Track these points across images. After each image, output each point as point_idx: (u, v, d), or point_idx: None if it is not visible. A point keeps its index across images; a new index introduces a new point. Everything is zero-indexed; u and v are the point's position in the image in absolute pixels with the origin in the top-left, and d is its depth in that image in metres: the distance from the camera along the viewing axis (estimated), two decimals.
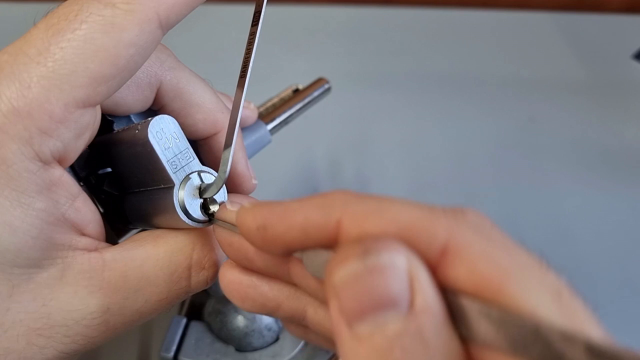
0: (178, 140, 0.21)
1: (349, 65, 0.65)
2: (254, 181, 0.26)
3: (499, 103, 0.62)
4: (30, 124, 0.18)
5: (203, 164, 0.22)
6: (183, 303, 0.36)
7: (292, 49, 0.67)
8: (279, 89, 0.34)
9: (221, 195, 0.22)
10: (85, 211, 0.21)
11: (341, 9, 0.74)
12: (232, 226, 0.20)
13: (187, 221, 0.21)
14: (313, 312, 0.20)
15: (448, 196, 0.53)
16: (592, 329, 0.13)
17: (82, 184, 0.24)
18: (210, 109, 0.24)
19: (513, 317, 0.13)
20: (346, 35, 0.70)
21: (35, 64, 0.18)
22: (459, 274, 0.14)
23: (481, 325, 0.13)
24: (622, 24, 0.73)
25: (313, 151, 0.56)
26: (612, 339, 0.14)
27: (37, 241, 0.19)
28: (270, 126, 0.31)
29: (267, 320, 0.33)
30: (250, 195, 0.26)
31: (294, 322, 0.21)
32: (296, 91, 0.34)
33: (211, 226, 0.22)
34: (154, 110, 0.24)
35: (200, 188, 0.21)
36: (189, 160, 0.21)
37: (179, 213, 0.21)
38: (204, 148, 0.26)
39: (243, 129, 0.30)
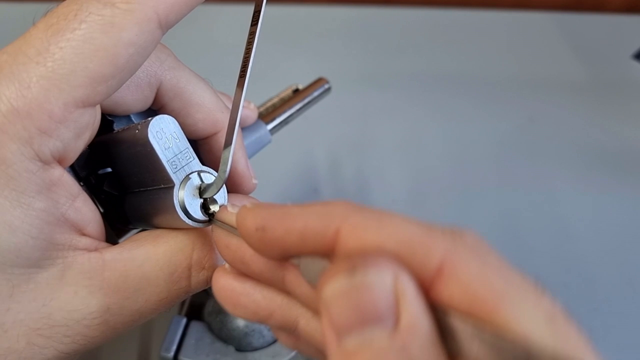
0: (178, 140, 0.21)
1: (349, 65, 0.65)
2: (254, 181, 0.26)
3: (499, 103, 0.62)
4: (30, 124, 0.18)
5: (203, 163, 0.22)
6: (183, 303, 0.36)
7: (292, 49, 0.67)
8: (279, 89, 0.34)
9: (221, 195, 0.22)
10: (85, 211, 0.21)
11: (341, 9, 0.74)
12: (231, 227, 0.20)
13: (187, 221, 0.21)
14: (305, 323, 0.20)
15: (448, 196, 0.53)
16: (586, 355, 0.13)
17: (82, 183, 0.23)
18: (210, 108, 0.24)
19: (505, 340, 0.13)
20: (346, 35, 0.70)
21: (34, 64, 0.18)
22: (453, 293, 0.14)
23: (473, 347, 0.13)
24: (622, 24, 0.73)
25: (313, 151, 0.56)
26: None
27: (37, 241, 0.19)
28: (270, 126, 0.31)
29: None
30: (250, 195, 0.26)
31: (285, 331, 0.21)
32: (296, 91, 0.34)
33: (210, 226, 0.22)
34: (153, 110, 0.24)
35: (200, 188, 0.21)
36: (189, 160, 0.21)
37: (179, 213, 0.21)
38: (204, 148, 0.26)
39: (243, 128, 0.30)
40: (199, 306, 0.36)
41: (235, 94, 0.21)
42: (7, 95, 0.18)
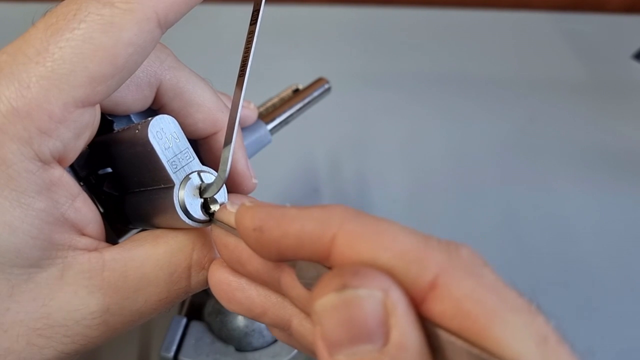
0: (178, 140, 0.21)
1: (349, 65, 0.65)
2: (254, 180, 0.26)
3: (500, 103, 0.62)
4: (30, 124, 0.18)
5: (203, 163, 0.22)
6: (183, 303, 0.36)
7: (292, 49, 0.67)
8: (279, 89, 0.34)
9: (221, 195, 0.22)
10: (85, 211, 0.21)
11: (341, 9, 0.74)
12: (230, 227, 0.20)
13: (187, 221, 0.21)
14: (298, 324, 0.20)
15: (448, 196, 0.53)
16: None
17: (82, 183, 0.23)
18: (210, 108, 0.24)
19: (494, 358, 0.13)
20: (346, 35, 0.70)
21: (34, 64, 0.18)
22: (445, 310, 0.14)
23: None
24: (622, 24, 0.73)
25: (313, 151, 0.56)
26: None
27: (36, 241, 0.19)
28: (270, 126, 0.31)
29: None
30: (250, 195, 0.26)
31: (278, 327, 0.21)
32: (296, 91, 0.34)
33: (210, 226, 0.22)
34: (153, 109, 0.24)
35: (200, 188, 0.21)
36: (189, 160, 0.21)
37: (179, 213, 0.21)
38: (204, 147, 0.26)
39: (243, 128, 0.30)
40: (199, 306, 0.36)
41: (234, 93, 0.21)
42: (6, 96, 0.18)
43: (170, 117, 0.21)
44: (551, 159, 0.56)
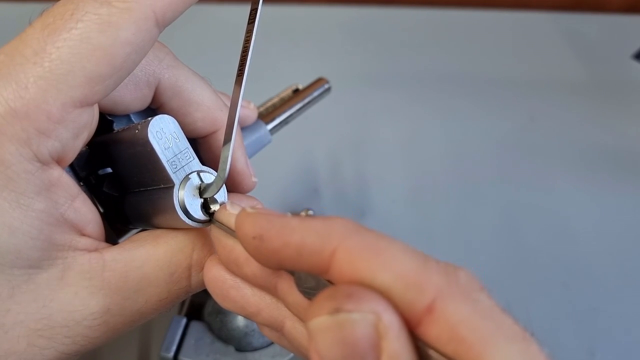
0: (178, 140, 0.21)
1: (349, 65, 0.65)
2: (254, 179, 0.26)
3: (499, 103, 0.62)
4: (28, 124, 0.18)
5: (202, 162, 0.22)
6: (183, 303, 0.36)
7: (292, 49, 0.67)
8: (279, 89, 0.34)
9: (221, 194, 0.21)
10: (85, 211, 0.21)
11: (341, 9, 0.74)
12: (229, 229, 0.20)
13: (187, 221, 0.21)
14: (291, 326, 0.20)
15: (448, 196, 0.53)
16: None
17: (81, 184, 0.23)
18: (209, 107, 0.24)
19: None
20: (346, 35, 0.70)
21: (31, 64, 0.18)
22: (441, 334, 0.14)
23: None
24: (622, 24, 0.73)
25: (313, 151, 0.56)
26: None
27: (36, 242, 0.19)
28: (270, 126, 0.31)
29: None
30: (250, 194, 0.26)
31: (271, 327, 0.21)
32: (296, 91, 0.34)
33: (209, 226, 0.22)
34: (152, 108, 0.24)
35: (200, 188, 0.21)
36: (188, 160, 0.21)
37: (178, 213, 0.21)
38: (203, 146, 0.26)
39: (243, 128, 0.30)
40: (199, 306, 0.36)
41: (233, 92, 0.21)
42: (4, 97, 0.18)
43: (170, 117, 0.21)
44: (551, 158, 0.56)
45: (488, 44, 0.70)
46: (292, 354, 0.33)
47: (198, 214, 0.21)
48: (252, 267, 0.19)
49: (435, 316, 0.14)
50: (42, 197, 0.19)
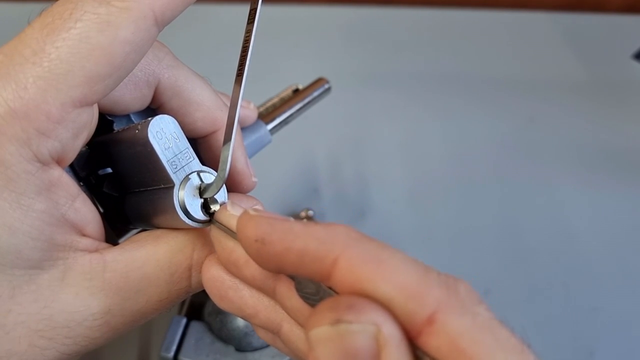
0: (178, 140, 0.21)
1: (349, 65, 0.65)
2: (254, 179, 0.26)
3: (499, 103, 0.62)
4: (28, 125, 0.18)
5: (202, 162, 0.22)
6: (183, 303, 0.36)
7: (292, 49, 0.67)
8: (279, 89, 0.34)
9: (221, 194, 0.21)
10: (85, 211, 0.21)
11: (341, 9, 0.74)
12: (229, 230, 0.20)
13: (187, 221, 0.21)
14: (288, 329, 0.20)
15: (448, 196, 0.53)
16: None
17: (81, 184, 0.23)
18: (209, 107, 0.24)
19: None
20: (346, 35, 0.70)
21: (31, 64, 0.18)
22: (441, 346, 0.14)
23: None
24: (622, 24, 0.73)
25: (313, 151, 0.56)
26: None
27: (37, 242, 0.19)
28: (270, 126, 0.31)
29: None
30: (250, 194, 0.26)
31: (267, 329, 0.21)
32: (296, 91, 0.34)
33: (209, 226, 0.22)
34: (152, 108, 0.24)
35: (200, 188, 0.21)
36: (189, 160, 0.21)
37: (179, 213, 0.21)
38: (203, 146, 0.26)
39: (243, 128, 0.30)
40: (199, 306, 0.36)
41: (233, 92, 0.21)
42: (4, 97, 0.18)
43: (170, 117, 0.21)
44: (551, 158, 0.56)
45: (488, 44, 0.70)
46: None
47: (198, 214, 0.21)
48: (252, 269, 0.19)
49: (435, 328, 0.14)
50: (43, 198, 0.19)
